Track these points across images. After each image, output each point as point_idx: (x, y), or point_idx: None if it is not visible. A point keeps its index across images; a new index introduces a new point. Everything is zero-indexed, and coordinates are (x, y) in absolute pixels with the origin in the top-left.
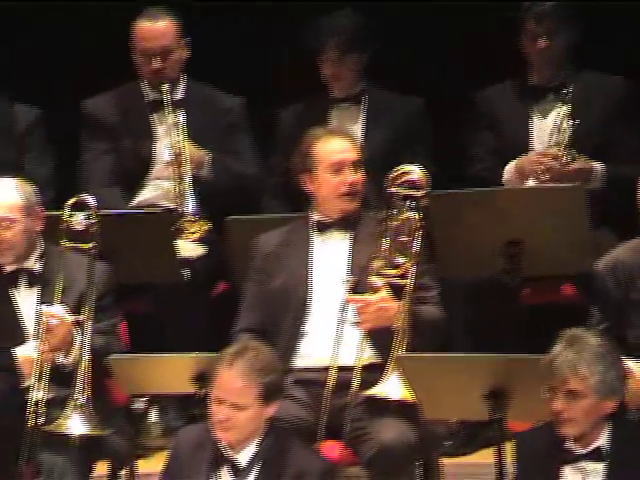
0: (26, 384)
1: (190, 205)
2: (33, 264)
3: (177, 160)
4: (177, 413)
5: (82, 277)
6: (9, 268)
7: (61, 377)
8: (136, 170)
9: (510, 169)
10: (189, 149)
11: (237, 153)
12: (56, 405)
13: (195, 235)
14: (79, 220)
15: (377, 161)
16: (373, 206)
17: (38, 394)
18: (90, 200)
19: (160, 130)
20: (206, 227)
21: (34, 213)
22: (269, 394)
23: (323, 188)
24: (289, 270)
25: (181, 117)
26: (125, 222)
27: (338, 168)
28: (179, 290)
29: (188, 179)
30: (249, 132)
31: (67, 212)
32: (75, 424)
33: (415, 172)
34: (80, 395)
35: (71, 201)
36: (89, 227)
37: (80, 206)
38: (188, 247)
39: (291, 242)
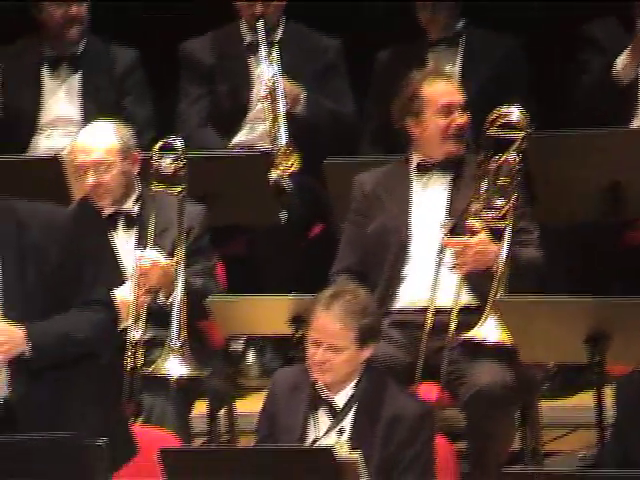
0: (123, 325)
1: (284, 141)
2: (131, 206)
3: (271, 95)
4: (274, 354)
5: (177, 220)
6: (108, 211)
7: (159, 318)
8: (232, 113)
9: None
10: (284, 84)
11: (334, 93)
12: (155, 346)
13: (292, 168)
14: (167, 163)
15: (475, 103)
16: (471, 148)
17: (136, 335)
18: (178, 142)
19: (257, 72)
20: (299, 161)
21: (131, 156)
22: (366, 337)
23: (429, 130)
24: (388, 212)
25: (276, 54)
26: (221, 164)
27: (447, 110)
28: (276, 232)
29: (282, 115)
30: (346, 73)
31: (155, 155)
32: (173, 366)
33: (514, 113)
34: (177, 337)
35: (159, 144)
36: (177, 170)
37: (168, 149)
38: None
39: (390, 184)
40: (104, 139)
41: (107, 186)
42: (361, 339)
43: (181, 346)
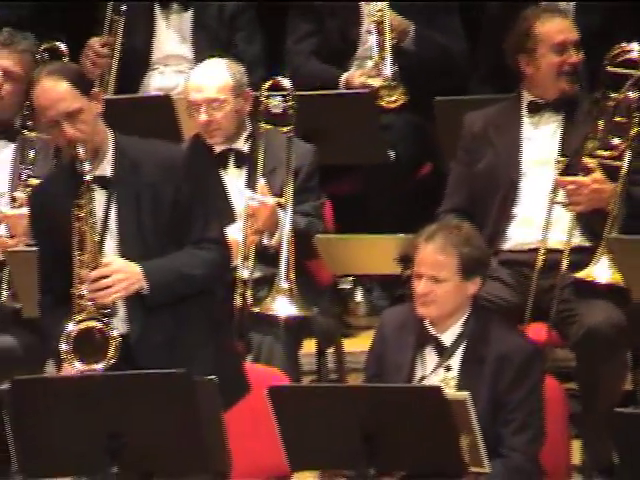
0: (232, 264)
1: (389, 72)
2: (242, 145)
3: (378, 28)
4: (382, 293)
5: (286, 159)
6: (218, 148)
7: (267, 258)
8: (341, 50)
9: None
10: (392, 17)
11: (444, 29)
12: (263, 285)
13: (396, 103)
14: (276, 102)
15: (590, 40)
16: (585, 87)
17: (244, 274)
18: (286, 82)
19: (367, 9)
20: (405, 96)
21: (243, 94)
22: (468, 267)
23: (543, 68)
24: (497, 151)
25: None
26: (330, 102)
27: (561, 48)
28: (385, 171)
29: (389, 48)
30: (456, 10)
31: (264, 94)
32: (281, 305)
33: (635, 50)
34: (285, 276)
35: (267, 83)
36: (286, 109)
37: (277, 88)
38: None
39: (500, 122)
40: (217, 77)
41: (218, 123)
42: (464, 269)
43: (289, 285)
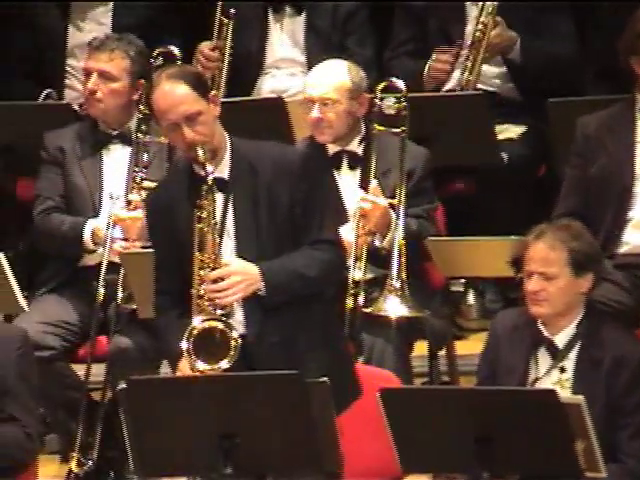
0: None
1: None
2: (356, 147)
3: (480, 40)
4: (495, 296)
5: (399, 162)
6: (332, 149)
7: (379, 259)
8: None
9: None
10: (495, 33)
11: (552, 32)
12: (375, 286)
13: None
14: (390, 104)
15: None
16: None
17: (356, 275)
18: (400, 83)
19: (473, 11)
20: None
21: (359, 97)
22: (578, 262)
23: None
24: (611, 154)
25: None
26: (443, 104)
27: None
28: (498, 173)
29: (478, 65)
30: (567, 11)
31: (378, 96)
32: (392, 306)
33: None
34: (397, 277)
35: (381, 85)
36: (400, 111)
37: (391, 90)
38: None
39: (614, 125)
40: (336, 77)
41: (329, 122)
42: (574, 265)
43: (401, 287)
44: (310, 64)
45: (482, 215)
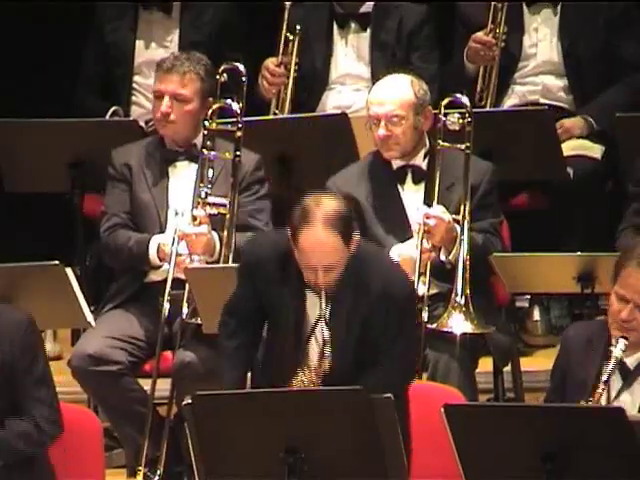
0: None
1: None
2: (420, 161)
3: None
4: (561, 312)
5: (463, 176)
6: (397, 164)
7: (443, 274)
8: (506, 66)
9: None
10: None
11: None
12: (439, 302)
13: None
14: (454, 119)
15: None
16: None
17: (420, 290)
18: (464, 99)
19: (534, 23)
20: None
21: (424, 112)
22: None
23: None
24: None
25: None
26: (508, 119)
27: None
28: (564, 188)
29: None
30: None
31: (442, 111)
32: (457, 322)
33: None
34: (460, 293)
35: (445, 100)
36: (464, 126)
37: (455, 105)
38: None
39: None
40: (399, 92)
41: (396, 138)
42: None
43: (465, 303)
44: (375, 79)
45: (547, 230)
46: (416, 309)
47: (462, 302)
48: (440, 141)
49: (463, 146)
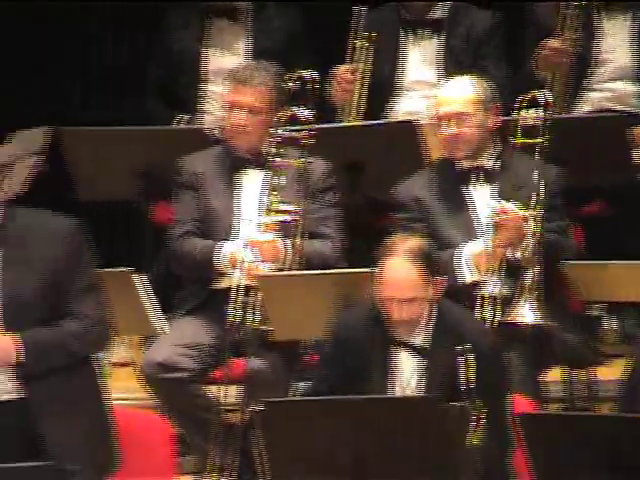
0: (474, 279)
1: None
2: (489, 162)
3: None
4: (636, 320)
5: (533, 177)
6: (465, 164)
7: (513, 272)
8: (578, 72)
9: None
10: None
11: None
12: (509, 300)
13: None
14: (531, 115)
15: None
16: None
17: (492, 289)
18: (542, 97)
19: (607, 28)
20: None
21: (491, 109)
22: None
23: None
24: None
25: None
26: (580, 126)
27: None
28: (635, 194)
29: None
30: None
31: (519, 108)
32: (527, 313)
33: None
34: (532, 287)
35: (525, 97)
36: (540, 123)
37: (533, 102)
38: None
39: None
40: (464, 91)
41: (464, 137)
42: None
43: (537, 296)
44: None
45: (621, 237)
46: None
47: (533, 295)
48: (517, 138)
49: (539, 141)
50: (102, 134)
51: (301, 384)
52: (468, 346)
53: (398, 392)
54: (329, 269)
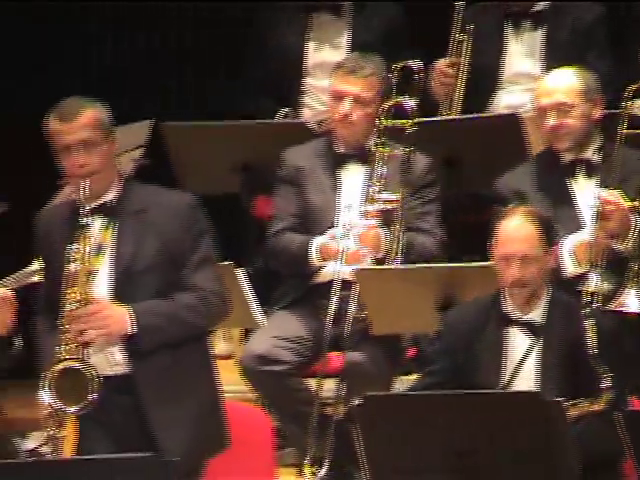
0: (577, 271)
1: None
2: (592, 155)
3: None
4: None
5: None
6: (568, 157)
7: (617, 263)
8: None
9: None
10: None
11: None
12: (612, 293)
13: None
14: (638, 106)
15: None
16: None
17: (595, 280)
18: None
19: None
20: None
21: (593, 100)
22: None
23: None
24: None
25: None
26: None
27: None
28: None
29: None
30: None
31: (627, 98)
32: (631, 300)
33: None
34: (637, 281)
35: (633, 87)
36: None
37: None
38: None
39: None
40: (565, 81)
41: (567, 127)
42: None
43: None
44: None
45: None
46: None
47: (639, 285)
48: (623, 127)
49: None
50: (204, 129)
51: (404, 378)
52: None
53: (510, 374)
54: (430, 263)
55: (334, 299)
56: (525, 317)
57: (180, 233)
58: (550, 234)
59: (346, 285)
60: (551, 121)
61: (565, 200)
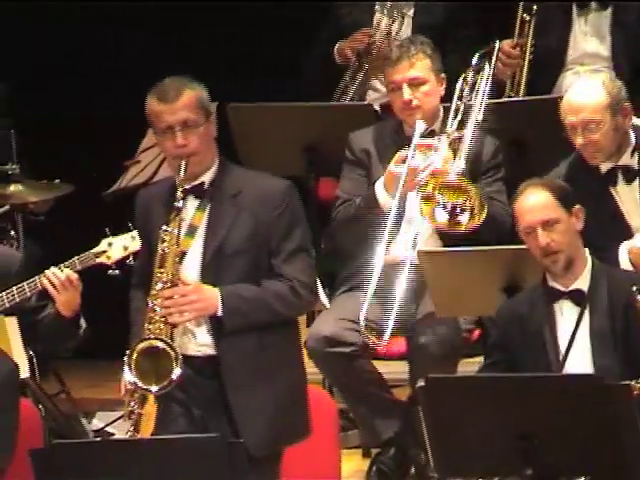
0: None
1: None
2: (629, 160)
3: None
4: None
5: None
6: (605, 167)
7: None
8: None
9: None
10: None
11: None
12: None
13: None
14: None
15: None
16: None
17: None
18: None
19: None
20: None
21: (622, 110)
22: None
23: None
24: None
25: None
26: None
27: None
28: None
29: None
30: None
31: None
32: None
33: None
34: None
35: None
36: None
37: None
38: None
39: None
40: (592, 97)
41: (597, 145)
42: None
43: None
44: (615, 60)
45: None
46: None
47: None
48: None
49: None
50: (270, 110)
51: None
52: None
53: (565, 347)
54: (503, 235)
55: (399, 282)
56: (569, 288)
57: (273, 219)
58: (567, 197)
59: (411, 268)
60: (580, 140)
61: (608, 209)
